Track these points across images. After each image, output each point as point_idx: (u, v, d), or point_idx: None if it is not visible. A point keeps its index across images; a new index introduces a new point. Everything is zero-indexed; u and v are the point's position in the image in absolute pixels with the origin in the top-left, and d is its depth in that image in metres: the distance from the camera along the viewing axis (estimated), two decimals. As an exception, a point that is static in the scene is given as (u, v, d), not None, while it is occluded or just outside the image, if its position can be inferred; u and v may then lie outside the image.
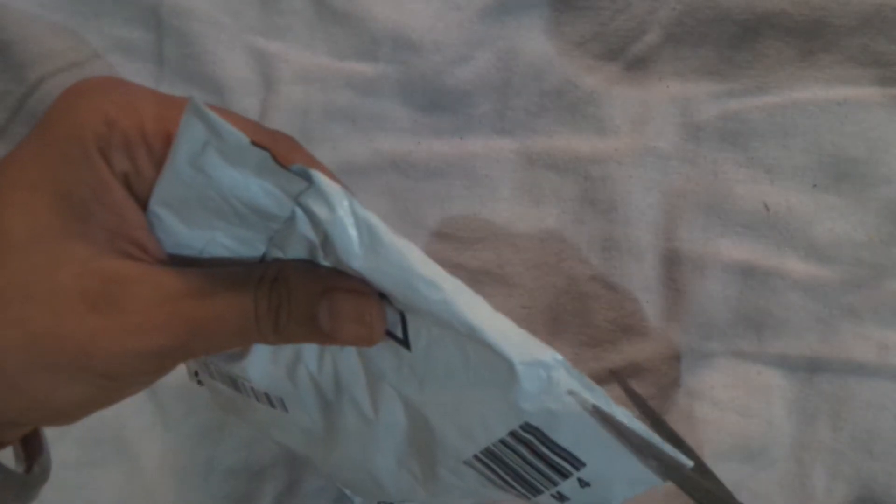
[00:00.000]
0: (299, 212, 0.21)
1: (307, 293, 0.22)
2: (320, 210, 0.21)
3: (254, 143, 0.19)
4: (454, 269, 0.38)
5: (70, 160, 0.21)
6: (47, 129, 0.21)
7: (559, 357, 0.21)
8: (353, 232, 0.21)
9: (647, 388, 0.37)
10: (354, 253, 0.21)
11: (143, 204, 0.22)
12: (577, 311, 0.38)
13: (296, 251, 0.22)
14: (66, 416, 0.22)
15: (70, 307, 0.21)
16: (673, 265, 0.37)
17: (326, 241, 0.21)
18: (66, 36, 0.39)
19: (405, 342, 0.23)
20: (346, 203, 0.20)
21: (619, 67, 0.39)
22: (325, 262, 0.22)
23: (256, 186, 0.21)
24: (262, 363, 0.26)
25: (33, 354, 0.20)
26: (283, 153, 0.22)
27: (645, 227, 0.38)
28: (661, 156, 0.38)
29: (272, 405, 0.27)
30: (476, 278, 0.38)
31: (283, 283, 0.22)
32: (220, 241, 0.22)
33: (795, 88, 0.37)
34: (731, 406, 0.36)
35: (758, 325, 0.37)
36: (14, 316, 0.20)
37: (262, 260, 0.23)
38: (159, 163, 0.21)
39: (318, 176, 0.20)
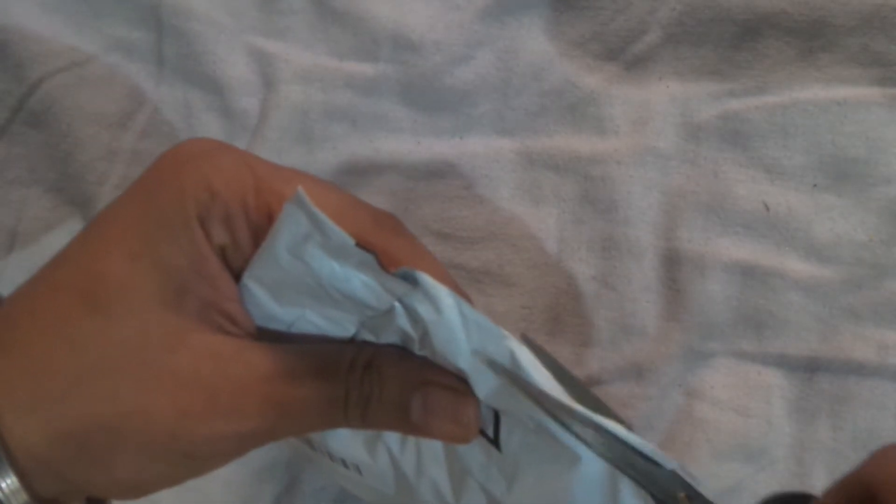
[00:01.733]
0: (399, 307, 0.21)
1: (400, 383, 0.22)
2: (425, 310, 0.20)
3: (359, 245, 0.19)
4: (454, 269, 0.38)
5: (171, 228, 0.21)
6: (150, 191, 0.21)
7: (674, 464, 0.20)
8: (461, 333, 0.20)
9: (647, 387, 0.37)
10: (462, 353, 0.21)
11: (237, 275, 0.22)
12: (577, 311, 0.38)
13: (388, 337, 0.22)
14: (141, 491, 0.22)
15: (160, 385, 0.20)
16: (673, 265, 0.37)
17: (426, 337, 0.21)
18: (66, 36, 0.39)
19: (495, 443, 0.23)
20: (453, 304, 0.20)
21: (619, 67, 0.39)
22: (419, 353, 0.22)
23: (357, 281, 0.20)
24: (342, 434, 0.25)
25: (121, 432, 0.20)
26: (385, 238, 0.22)
27: (645, 227, 0.38)
28: (661, 156, 0.38)
29: (346, 467, 0.27)
30: (476, 278, 0.38)
31: (376, 371, 0.22)
32: (310, 319, 0.22)
33: (795, 88, 0.37)
34: (731, 406, 0.36)
35: (758, 325, 0.37)
36: (106, 391, 0.20)
37: (352, 340, 0.23)
38: (257, 237, 0.21)
39: (424, 278, 0.20)
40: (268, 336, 0.22)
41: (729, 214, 0.37)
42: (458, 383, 0.22)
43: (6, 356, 0.20)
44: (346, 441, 0.25)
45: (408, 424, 0.22)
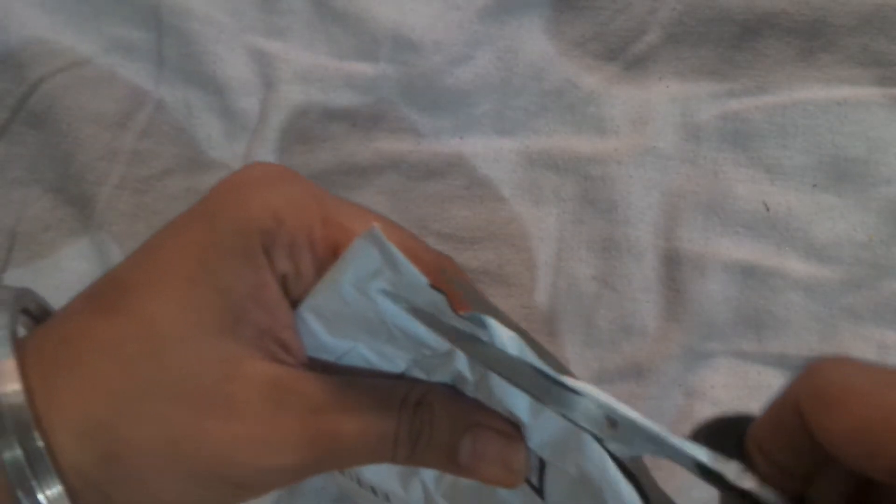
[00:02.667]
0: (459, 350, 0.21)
1: (451, 423, 0.22)
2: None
3: (431, 286, 0.19)
4: (454, 269, 0.38)
5: (233, 255, 0.20)
6: (212, 215, 0.21)
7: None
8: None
9: (647, 387, 0.37)
10: (524, 401, 0.21)
11: (294, 303, 0.21)
12: (577, 311, 0.38)
13: (440, 377, 0.22)
14: None
15: (213, 412, 0.20)
16: (673, 265, 0.37)
17: (484, 380, 0.21)
18: (66, 36, 0.39)
19: (539, 491, 0.22)
20: (517, 348, 0.20)
21: (619, 67, 0.39)
22: (472, 395, 0.22)
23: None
24: (378, 464, 0.25)
25: (171, 458, 0.20)
26: (447, 277, 0.22)
27: (645, 227, 0.38)
28: (661, 156, 0.38)
29: (375, 494, 0.26)
30: (476, 278, 0.38)
31: (427, 409, 0.21)
32: (361, 353, 0.22)
33: (795, 88, 0.37)
34: (731, 406, 0.36)
35: (758, 325, 0.37)
36: (157, 416, 0.20)
37: (402, 376, 0.22)
38: (320, 268, 0.21)
39: (491, 322, 0.20)
40: (318, 366, 0.22)
41: (729, 214, 0.37)
42: (510, 428, 0.21)
43: (61, 375, 0.20)
44: (381, 471, 0.25)
45: (455, 465, 0.22)
